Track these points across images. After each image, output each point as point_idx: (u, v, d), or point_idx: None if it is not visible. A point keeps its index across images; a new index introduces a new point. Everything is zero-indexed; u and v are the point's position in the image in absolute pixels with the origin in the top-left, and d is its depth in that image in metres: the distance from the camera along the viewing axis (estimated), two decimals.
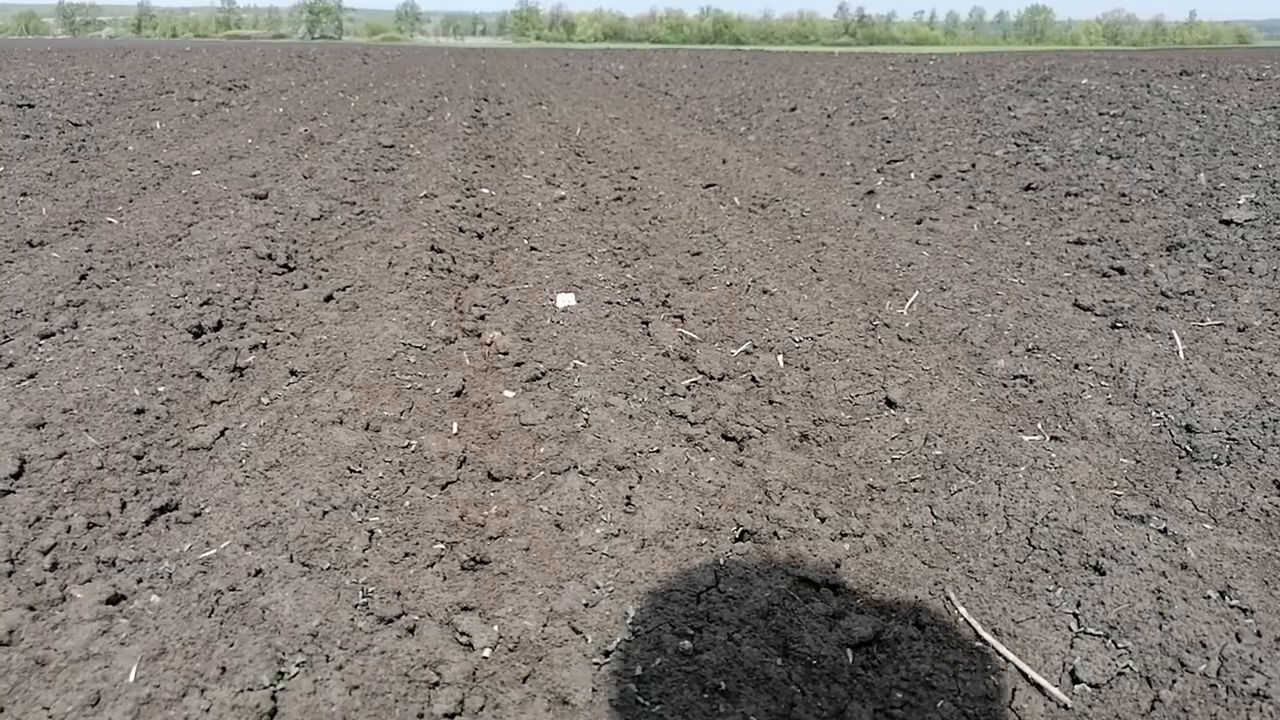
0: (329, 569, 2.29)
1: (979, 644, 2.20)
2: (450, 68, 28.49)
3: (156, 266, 5.34)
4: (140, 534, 2.71)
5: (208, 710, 1.80)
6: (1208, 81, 15.35)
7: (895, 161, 8.96)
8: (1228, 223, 6.28)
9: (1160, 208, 6.81)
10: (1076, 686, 2.06)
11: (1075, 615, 2.24)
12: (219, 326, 4.35)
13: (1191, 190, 7.18)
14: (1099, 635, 2.17)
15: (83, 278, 5.11)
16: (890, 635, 2.20)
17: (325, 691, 1.87)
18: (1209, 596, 2.28)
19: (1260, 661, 2.00)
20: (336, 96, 16.74)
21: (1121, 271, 5.37)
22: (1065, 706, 2.00)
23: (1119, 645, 2.13)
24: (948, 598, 2.36)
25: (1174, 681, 2.00)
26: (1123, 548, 2.43)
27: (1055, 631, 2.21)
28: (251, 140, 10.35)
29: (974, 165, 8.51)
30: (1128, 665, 2.08)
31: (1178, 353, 3.89)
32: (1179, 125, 10.16)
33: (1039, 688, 2.06)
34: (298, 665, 1.94)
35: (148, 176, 8.09)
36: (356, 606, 2.16)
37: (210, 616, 2.10)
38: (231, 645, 1.98)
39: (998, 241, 6.12)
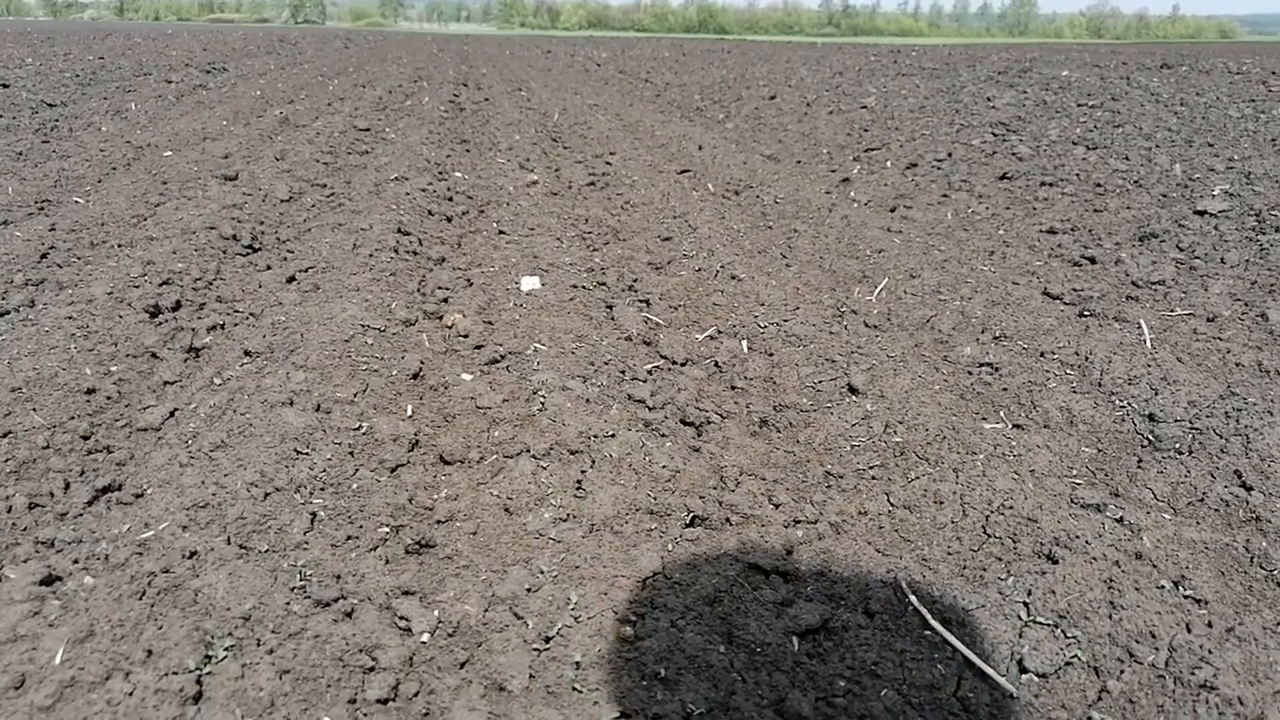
0: (267, 551, 2.23)
1: (928, 633, 2.16)
2: (432, 53, 28.29)
3: (119, 246, 5.26)
4: (81, 515, 2.66)
5: (130, 694, 1.75)
6: (1188, 75, 15.38)
7: (872, 150, 8.93)
8: (1201, 213, 6.27)
9: (1134, 198, 6.79)
10: (1024, 676, 2.03)
11: (1025, 604, 2.21)
12: (177, 307, 4.28)
13: (1167, 181, 7.17)
14: (1048, 625, 2.14)
15: (43, 257, 5.02)
16: (838, 623, 2.16)
17: (253, 675, 1.82)
18: (1162, 586, 2.26)
19: (1210, 653, 1.97)
20: (315, 80, 16.58)
21: (1093, 261, 5.35)
22: (1011, 696, 1.97)
23: (1068, 635, 2.10)
24: (899, 586, 2.32)
25: (1121, 672, 1.98)
26: (1077, 537, 2.40)
27: (1005, 621, 2.18)
28: (226, 122, 10.22)
29: (950, 154, 8.48)
30: (1075, 655, 2.05)
31: (1145, 342, 3.87)
32: (1157, 117, 10.16)
33: (985, 677, 2.02)
34: (226, 649, 1.89)
35: (118, 157, 7.97)
36: (293, 590, 2.11)
37: (141, 599, 2.04)
38: (160, 628, 1.92)
39: (970, 230, 6.09)
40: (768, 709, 1.83)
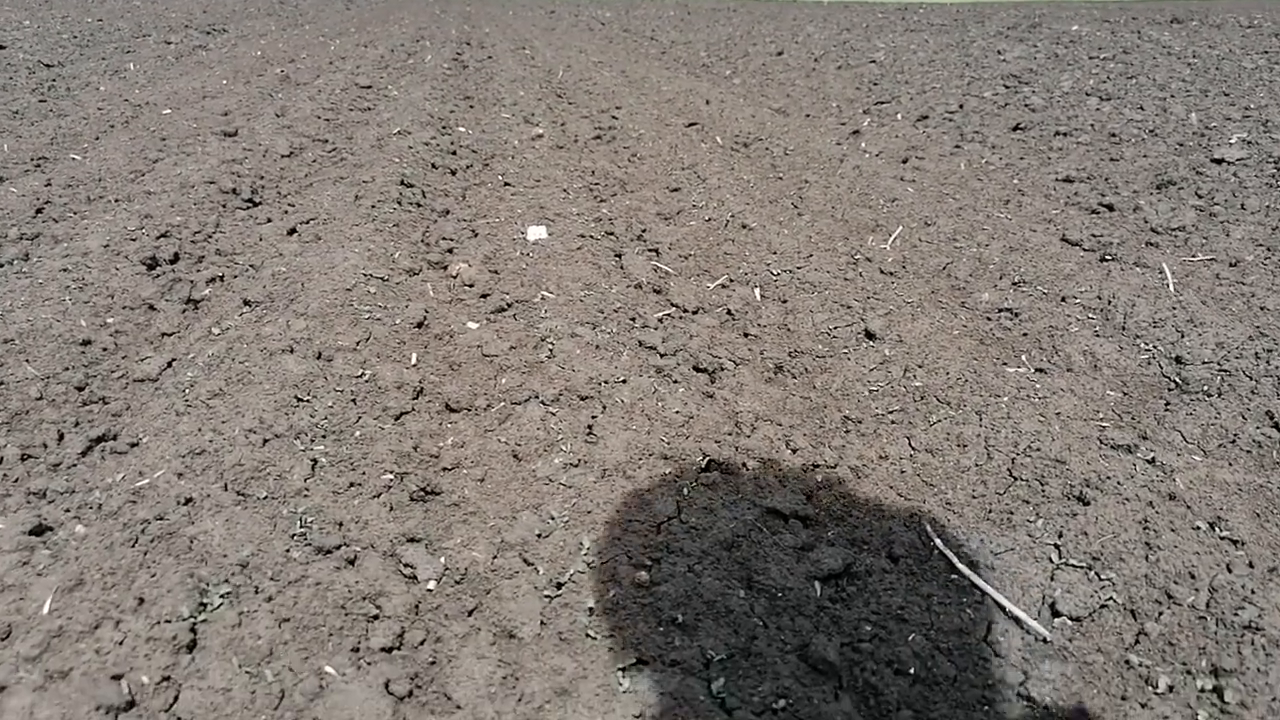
0: (266, 498, 2.15)
1: (954, 577, 2.07)
2: (434, 14, 27.90)
3: (116, 201, 5.15)
4: (75, 465, 2.57)
5: (121, 642, 1.67)
6: (1199, 29, 15.09)
7: (882, 103, 8.75)
8: (1219, 161, 6.13)
9: (1150, 147, 6.64)
10: (1056, 620, 1.95)
11: (1057, 547, 2.12)
12: (175, 259, 4.18)
13: (1183, 130, 7.01)
14: (1081, 567, 2.05)
15: (39, 211, 4.92)
16: (861, 568, 2.07)
17: (251, 624, 1.74)
18: (1198, 528, 2.16)
19: (1252, 593, 1.88)
20: (316, 40, 16.34)
21: (1111, 208, 5.21)
22: (1044, 640, 1.88)
23: (1102, 577, 2.01)
24: (923, 530, 2.23)
25: (1160, 614, 1.89)
26: (1108, 478, 2.31)
27: (1035, 564, 2.09)
28: (226, 81, 10.05)
29: (962, 106, 8.31)
30: (1111, 597, 1.96)
31: (1168, 285, 3.76)
32: (1170, 68, 9.96)
33: (1017, 621, 1.94)
34: (222, 596, 1.80)
35: (116, 115, 7.84)
36: (293, 537, 2.03)
37: (134, 546, 1.96)
38: (153, 575, 1.84)
39: (985, 179, 5.95)
40: (791, 654, 1.75)
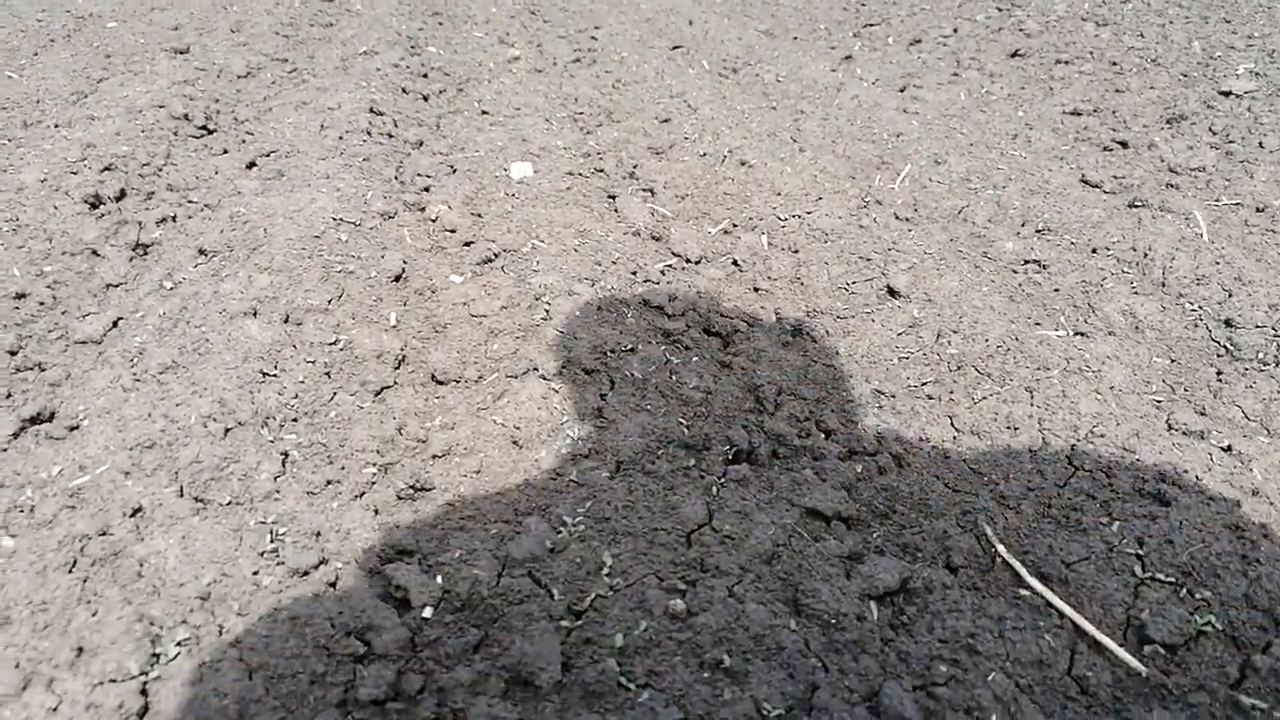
0: (229, 504, 1.83)
1: (1024, 592, 1.82)
2: None
3: (56, 127, 4.69)
4: (4, 450, 2.23)
5: (55, 709, 1.37)
6: None
7: (871, 25, 8.34)
8: (1228, 94, 5.84)
9: (1155, 77, 6.33)
10: (1146, 648, 1.70)
11: (1139, 557, 1.87)
12: (122, 196, 3.77)
13: (1186, 59, 6.71)
14: (1170, 583, 1.80)
15: None
16: (919, 583, 1.81)
17: (215, 678, 1.45)
18: None
19: None
20: None
21: (1124, 145, 4.92)
22: (1138, 674, 1.64)
23: (1196, 596, 1.76)
24: (981, 532, 1.97)
25: (1268, 644, 1.64)
26: (1185, 471, 2.05)
27: (1115, 577, 1.83)
28: None
29: (955, 30, 7.93)
30: (1209, 622, 1.71)
31: (1202, 235, 3.49)
32: None
33: (1103, 650, 1.69)
34: (178, 643, 1.50)
35: (57, 28, 7.27)
36: (262, 555, 1.72)
37: (71, 572, 1.64)
38: (94, 614, 1.53)
39: (988, 111, 5.63)
40: (859, 706, 1.48)
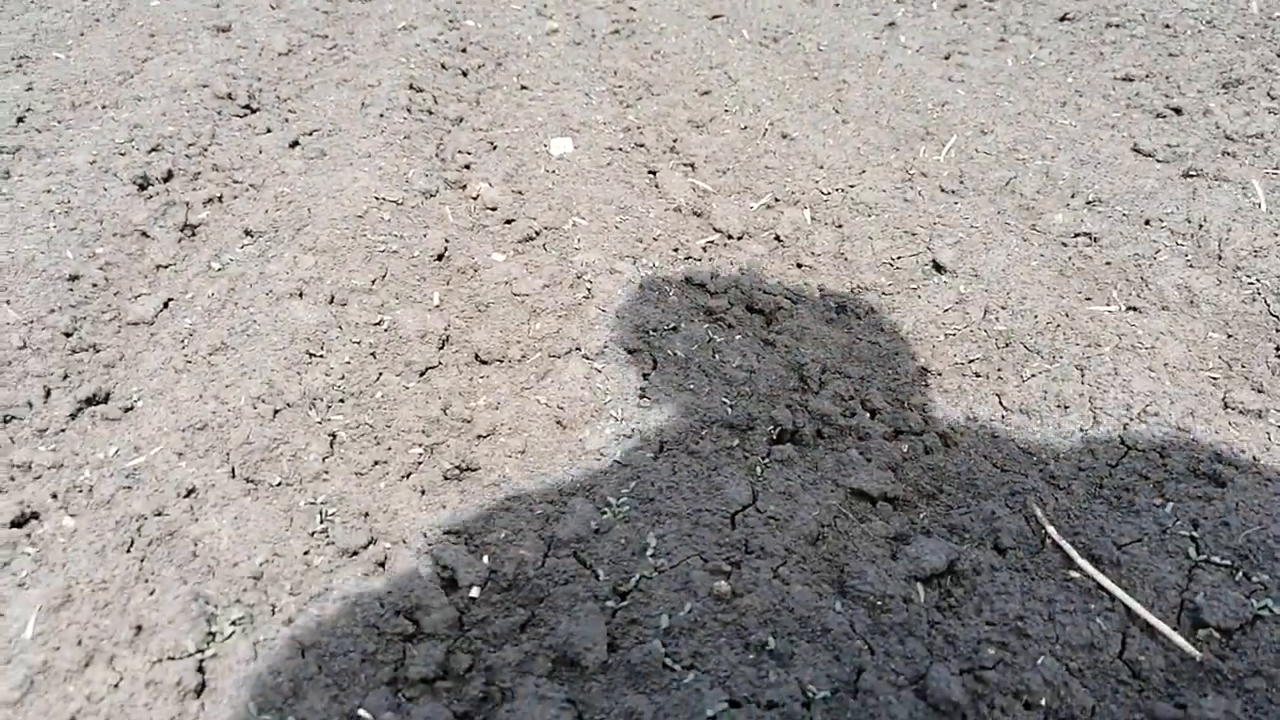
0: (279, 485, 1.86)
1: (1074, 574, 1.80)
2: None
3: (103, 108, 4.76)
4: (64, 430, 2.28)
5: (117, 685, 1.40)
6: None
7: None
8: None
9: (1210, 40, 6.16)
10: (1201, 632, 1.67)
11: (1194, 539, 1.84)
12: (169, 177, 3.82)
13: (1243, 20, 6.51)
14: (1225, 566, 1.77)
15: (20, 120, 4.56)
16: (967, 564, 1.79)
17: (269, 656, 1.47)
18: None
19: None
20: None
21: (1179, 111, 4.80)
22: (1193, 659, 1.61)
23: (1252, 580, 1.73)
24: (1030, 513, 1.95)
25: None
26: (1241, 451, 2.01)
27: (1169, 559, 1.80)
28: None
29: None
30: (1266, 606, 1.68)
31: (1260, 205, 3.40)
32: None
33: (1156, 634, 1.66)
34: (233, 622, 1.53)
35: (102, 8, 7.34)
36: (313, 535, 1.75)
37: (129, 551, 1.68)
38: (152, 593, 1.57)
39: (1036, 78, 5.51)
40: (906, 689, 1.48)
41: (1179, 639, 1.64)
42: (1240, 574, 1.74)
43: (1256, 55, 5.79)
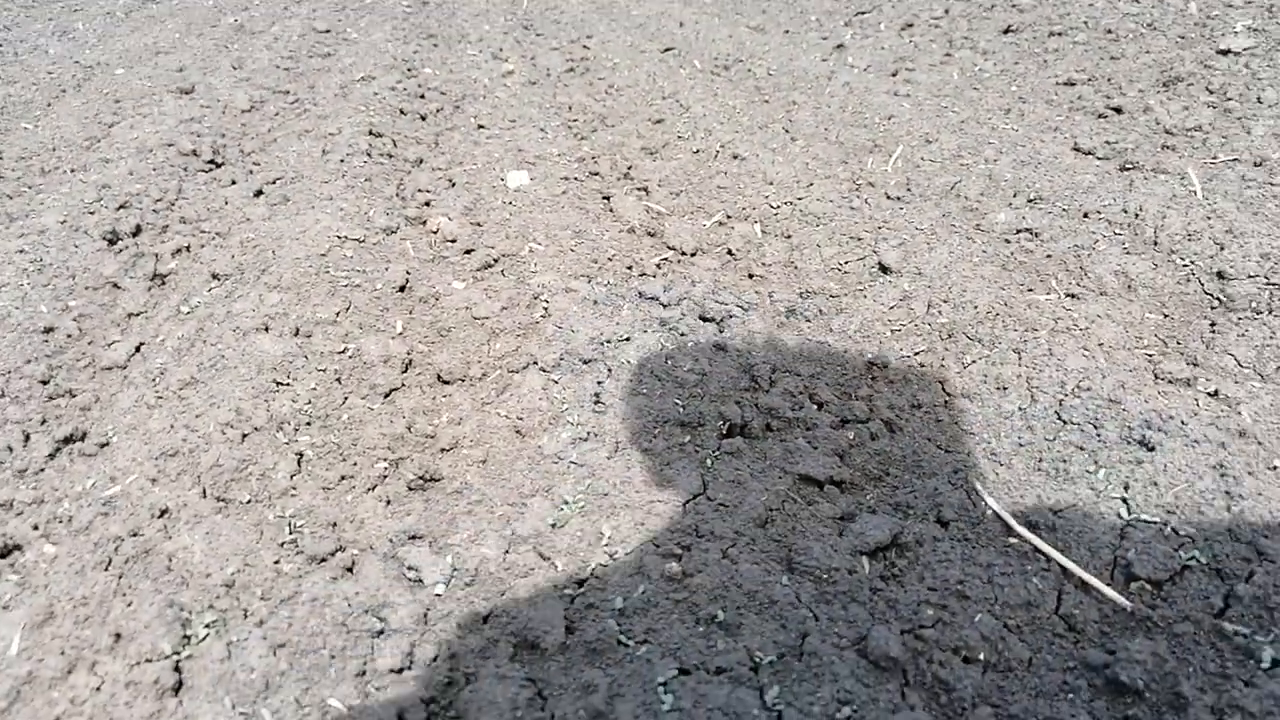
0: (249, 502, 1.93)
1: (1013, 540, 1.88)
2: None
3: (72, 171, 4.85)
4: (42, 470, 2.35)
5: (98, 689, 1.47)
6: None
7: (863, 13, 8.40)
8: (1226, 52, 5.85)
9: (1151, 42, 6.36)
10: (1133, 585, 1.76)
11: (1124, 500, 1.93)
12: (138, 231, 3.90)
13: (1183, 21, 6.72)
14: (1155, 522, 1.86)
15: None
16: (910, 537, 1.88)
17: (242, 655, 1.54)
18: (1274, 467, 1.97)
19: None
20: None
21: (1119, 111, 4.96)
22: (1125, 610, 1.70)
23: (1180, 533, 1.82)
24: (972, 487, 2.04)
25: (1251, 574, 1.70)
26: (1170, 417, 2.11)
27: (1102, 521, 1.90)
28: (179, 35, 9.61)
29: (947, 11, 7.97)
30: (1194, 557, 1.77)
31: (1195, 192, 3.53)
32: None
33: (1089, 589, 1.75)
34: (207, 626, 1.60)
35: (67, 79, 7.47)
36: (282, 545, 1.82)
37: (107, 569, 1.75)
38: (130, 605, 1.63)
39: (981, 88, 5.68)
40: (848, 650, 1.56)
41: (1111, 592, 1.73)
42: (1169, 529, 1.83)
43: (1196, 53, 5.97)
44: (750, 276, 3.19)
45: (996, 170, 3.87)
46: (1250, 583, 1.68)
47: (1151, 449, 2.02)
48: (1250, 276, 2.79)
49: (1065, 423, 2.20)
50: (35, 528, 2.01)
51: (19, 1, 14.13)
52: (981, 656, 1.59)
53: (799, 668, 1.51)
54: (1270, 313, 2.64)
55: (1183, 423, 2.08)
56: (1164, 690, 1.50)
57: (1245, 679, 1.52)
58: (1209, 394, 2.23)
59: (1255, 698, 1.47)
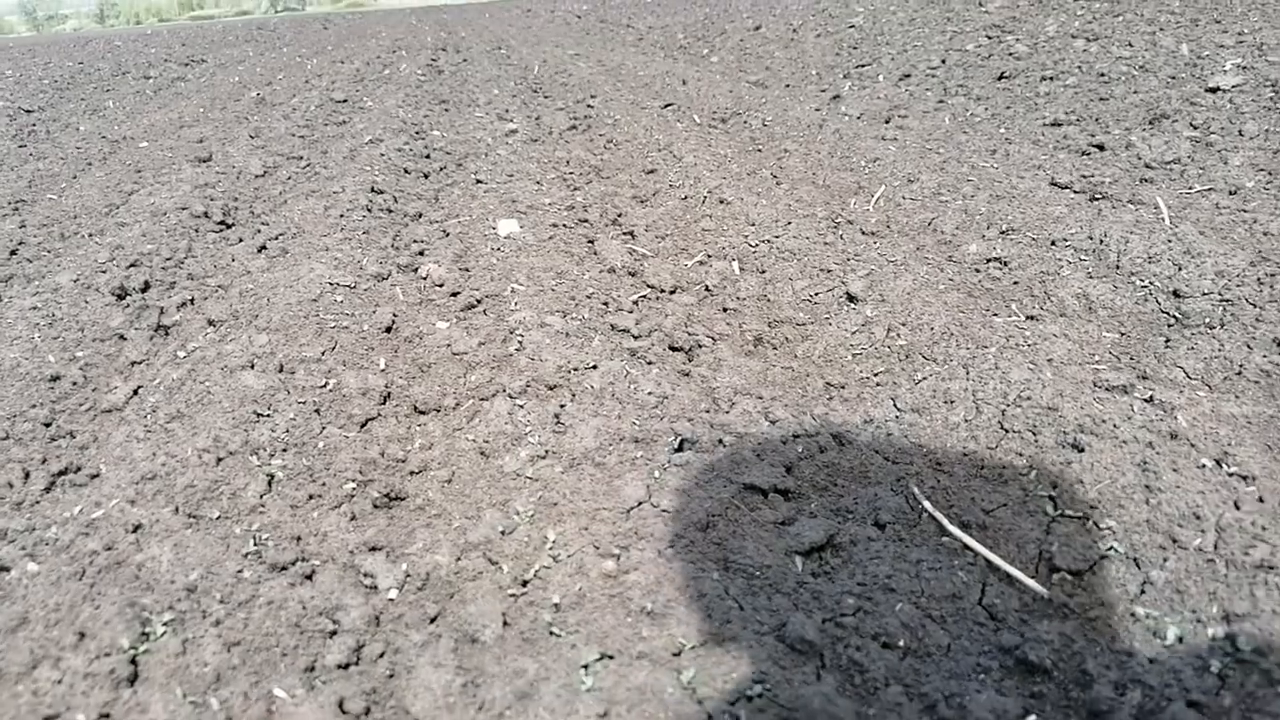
0: (218, 518, 2.05)
1: (945, 539, 1.96)
2: (411, 24, 27.83)
3: (89, 235, 5.07)
4: (38, 502, 2.48)
5: (59, 681, 1.57)
6: None
7: (863, 66, 8.60)
8: (1214, 90, 5.96)
9: (1141, 83, 6.48)
10: (1055, 575, 1.83)
11: (1052, 499, 2.00)
12: (146, 287, 4.08)
13: (1174, 63, 6.84)
14: (1078, 517, 1.93)
15: (13, 253, 4.86)
16: (845, 538, 1.96)
17: (197, 651, 1.64)
18: (1203, 465, 2.04)
19: (1263, 530, 1.76)
20: (293, 62, 16.27)
21: (1101, 148, 5.07)
22: (1043, 598, 1.77)
23: (1101, 526, 1.89)
24: (911, 493, 2.11)
25: (1165, 560, 1.77)
26: (1104, 421, 2.18)
27: (1030, 518, 1.97)
28: (203, 109, 9.99)
29: (944, 61, 8.15)
30: (1112, 547, 1.84)
31: (1163, 219, 3.61)
32: (1159, 2, 9.76)
33: (1012, 580, 1.82)
34: (165, 624, 1.70)
35: (94, 152, 7.80)
36: (245, 556, 1.93)
37: (81, 579, 1.86)
38: (96, 608, 1.74)
39: (970, 132, 5.81)
40: (768, 635, 1.63)
41: (1030, 581, 1.79)
42: (1090, 523, 1.90)
43: (1184, 92, 6.08)
44: (724, 310, 3.30)
45: (973, 205, 3.98)
46: (1164, 569, 1.74)
47: (1081, 450, 2.09)
48: (1204, 294, 2.87)
49: (1006, 431, 2.28)
50: (23, 550, 2.13)
51: (55, 84, 14.74)
52: (901, 643, 1.66)
53: (719, 652, 1.59)
54: (1222, 326, 2.72)
55: (1115, 426, 2.15)
56: (1070, 668, 1.57)
57: (1150, 656, 1.58)
58: (1145, 400, 2.30)
59: (1157, 673, 1.53)
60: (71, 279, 4.12)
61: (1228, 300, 2.81)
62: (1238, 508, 1.84)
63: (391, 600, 1.84)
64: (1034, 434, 2.22)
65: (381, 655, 1.70)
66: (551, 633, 1.67)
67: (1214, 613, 1.63)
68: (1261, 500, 1.86)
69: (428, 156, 6.09)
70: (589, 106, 7.42)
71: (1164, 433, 2.15)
